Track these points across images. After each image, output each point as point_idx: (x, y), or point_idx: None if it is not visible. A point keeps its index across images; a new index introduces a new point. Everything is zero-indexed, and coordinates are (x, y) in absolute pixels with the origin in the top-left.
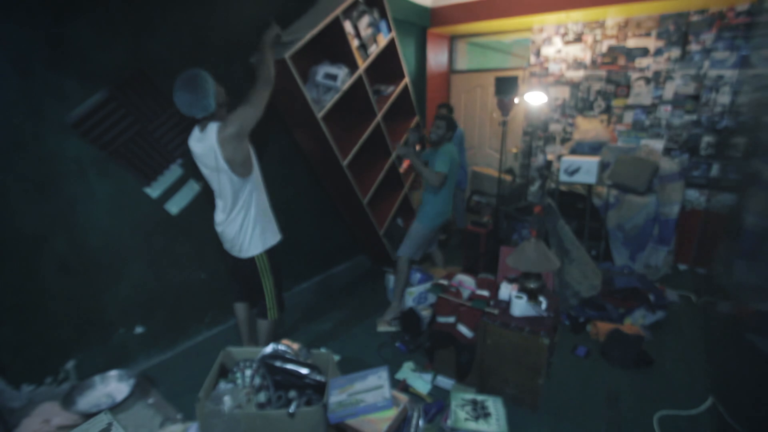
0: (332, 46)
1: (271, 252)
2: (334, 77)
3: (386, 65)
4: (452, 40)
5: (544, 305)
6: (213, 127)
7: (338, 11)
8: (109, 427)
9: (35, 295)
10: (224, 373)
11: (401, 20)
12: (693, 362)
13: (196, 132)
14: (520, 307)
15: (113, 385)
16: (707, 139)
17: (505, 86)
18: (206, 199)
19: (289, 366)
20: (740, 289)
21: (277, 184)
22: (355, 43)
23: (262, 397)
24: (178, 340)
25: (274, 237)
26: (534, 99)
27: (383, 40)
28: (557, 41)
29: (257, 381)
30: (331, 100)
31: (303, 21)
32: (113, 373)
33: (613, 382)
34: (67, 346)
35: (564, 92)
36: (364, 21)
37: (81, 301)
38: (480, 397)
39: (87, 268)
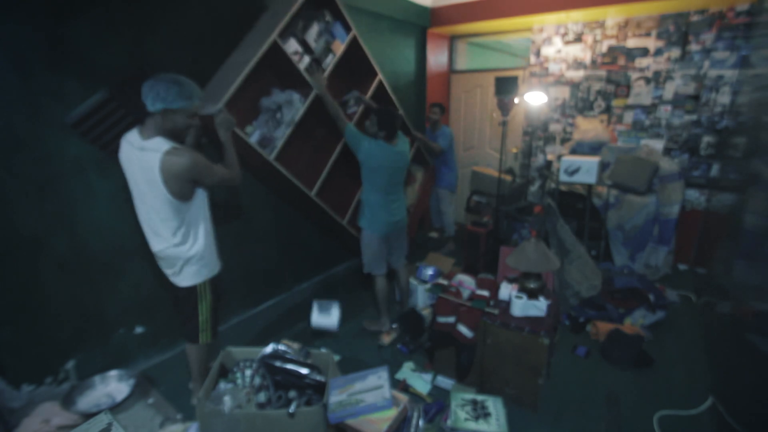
0: (279, 71)
1: (213, 279)
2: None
3: (356, 68)
4: (452, 40)
5: (544, 305)
6: (159, 147)
7: (273, 35)
8: (109, 427)
9: (35, 295)
10: (224, 373)
11: (401, 20)
12: (693, 362)
13: (134, 135)
14: (520, 307)
15: (113, 385)
16: (707, 139)
17: (505, 86)
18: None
19: (289, 366)
20: (740, 289)
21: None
22: (305, 61)
23: (262, 397)
24: (178, 340)
25: (215, 267)
26: (534, 99)
27: (341, 46)
28: (557, 41)
29: (257, 381)
30: (282, 137)
31: (239, 51)
32: (113, 373)
33: (613, 382)
34: (67, 346)
35: (564, 92)
36: (313, 31)
37: (81, 301)
38: (480, 397)
39: (87, 268)
